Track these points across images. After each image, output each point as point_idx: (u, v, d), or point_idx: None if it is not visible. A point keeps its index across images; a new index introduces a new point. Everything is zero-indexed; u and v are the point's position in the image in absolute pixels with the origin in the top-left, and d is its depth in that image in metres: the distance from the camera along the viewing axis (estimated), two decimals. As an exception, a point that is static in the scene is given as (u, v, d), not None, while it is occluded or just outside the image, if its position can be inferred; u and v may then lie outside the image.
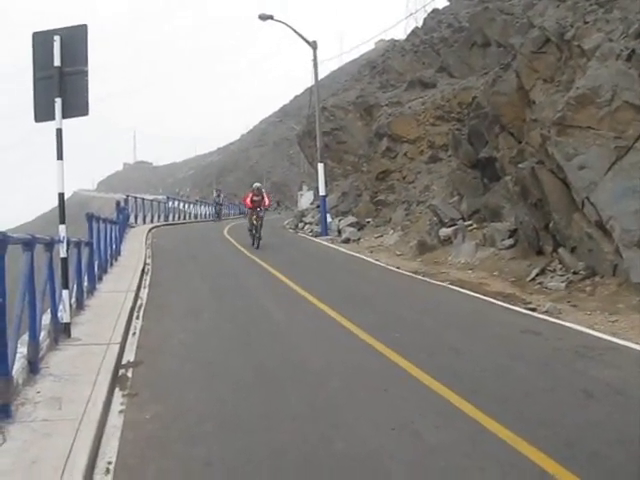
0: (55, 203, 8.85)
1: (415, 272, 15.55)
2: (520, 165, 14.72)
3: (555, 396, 6.23)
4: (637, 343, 8.17)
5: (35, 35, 8.65)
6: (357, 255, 19.55)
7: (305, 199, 45.98)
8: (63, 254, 8.61)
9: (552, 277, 12.58)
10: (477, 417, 5.60)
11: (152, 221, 35.00)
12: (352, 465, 4.81)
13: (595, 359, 7.53)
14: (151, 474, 4.79)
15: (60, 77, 8.42)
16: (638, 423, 5.31)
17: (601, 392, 6.30)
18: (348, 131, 33.74)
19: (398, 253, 19.72)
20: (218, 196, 44.24)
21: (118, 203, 24.64)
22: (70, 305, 8.84)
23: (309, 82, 51.12)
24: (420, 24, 43.35)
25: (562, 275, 12.42)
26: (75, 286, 10.17)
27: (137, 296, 12.21)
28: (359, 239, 24.02)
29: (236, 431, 5.55)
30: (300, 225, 32.13)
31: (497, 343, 8.51)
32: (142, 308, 11.37)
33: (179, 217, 42.19)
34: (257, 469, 4.80)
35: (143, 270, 15.68)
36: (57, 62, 8.40)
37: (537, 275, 12.96)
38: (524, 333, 8.99)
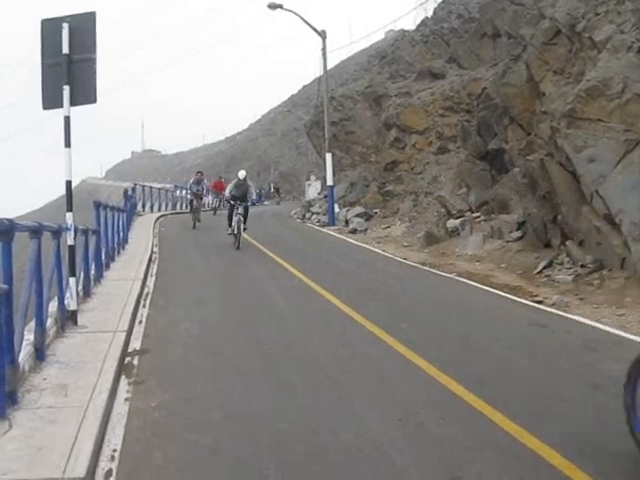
0: (63, 191, 8.85)
1: (422, 263, 15.53)
2: (529, 157, 14.67)
3: (561, 389, 6.20)
4: (644, 337, 8.14)
5: (44, 22, 8.63)
6: (364, 246, 19.53)
7: (313, 189, 45.91)
8: (70, 242, 8.62)
9: (560, 270, 12.54)
10: (482, 409, 5.59)
11: (160, 210, 35.04)
12: (357, 456, 4.81)
13: (602, 353, 7.51)
14: (156, 461, 4.80)
15: (68, 64, 8.40)
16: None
17: (608, 386, 6.25)
18: (357, 121, 33.62)
19: (405, 244, 19.70)
20: (198, 183, 26.42)
21: (126, 191, 24.60)
22: (77, 293, 8.86)
23: (318, 71, 50.98)
24: (430, 14, 43.12)
25: (570, 268, 12.39)
26: (82, 274, 10.20)
27: (144, 284, 12.24)
28: (366, 230, 23.98)
29: (242, 419, 5.55)
30: (307, 215, 32.10)
31: (504, 335, 8.49)
32: (149, 296, 11.40)
33: (187, 206, 42.11)
34: (262, 458, 4.80)
35: (150, 258, 15.70)
36: (65, 49, 8.39)
37: (545, 268, 12.93)
38: (531, 326, 8.96)
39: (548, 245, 14.00)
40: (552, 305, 10.25)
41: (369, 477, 4.51)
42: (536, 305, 10.37)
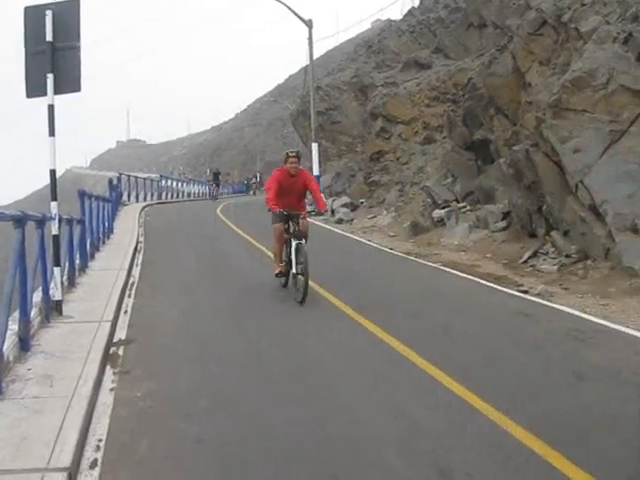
0: (48, 180, 8.78)
1: (408, 253, 15.56)
2: (514, 147, 14.72)
3: (545, 378, 6.25)
4: (628, 326, 8.21)
5: (27, 9, 8.51)
6: (350, 236, 19.54)
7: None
8: (55, 231, 8.56)
9: (544, 260, 12.62)
10: (467, 398, 5.61)
11: (145, 199, 34.96)
12: (344, 448, 4.83)
13: (586, 342, 7.56)
14: (142, 451, 4.79)
15: (52, 52, 8.30)
16: (627, 406, 5.34)
17: (591, 375, 6.33)
18: (343, 111, 33.61)
19: (391, 234, 19.73)
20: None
21: (111, 181, 24.51)
22: (62, 283, 8.80)
23: (304, 61, 50.83)
24: (417, 4, 43.16)
25: (554, 258, 12.46)
26: (67, 264, 10.14)
27: (129, 274, 12.18)
28: (352, 220, 24.02)
29: (228, 409, 5.56)
30: (293, 205, 32.04)
31: (488, 325, 8.54)
32: (134, 286, 11.35)
33: (172, 196, 42.09)
34: (248, 446, 4.81)
35: (136, 248, 15.63)
36: (49, 37, 8.28)
37: (529, 258, 13.00)
38: (516, 315, 9.01)
39: (533, 235, 14.08)
40: (537, 295, 10.31)
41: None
42: (521, 295, 10.42)
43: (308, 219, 10.52)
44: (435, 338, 7.75)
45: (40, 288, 8.29)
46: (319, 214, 11.18)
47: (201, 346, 7.58)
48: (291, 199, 10.22)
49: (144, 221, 23.50)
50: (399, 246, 16.94)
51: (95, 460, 4.70)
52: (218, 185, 43.81)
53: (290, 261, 10.01)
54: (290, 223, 10.23)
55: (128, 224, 21.26)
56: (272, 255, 10.88)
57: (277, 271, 10.34)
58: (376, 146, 28.81)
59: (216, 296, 10.57)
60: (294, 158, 10.16)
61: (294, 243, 9.84)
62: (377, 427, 5.13)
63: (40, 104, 8.50)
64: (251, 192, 56.21)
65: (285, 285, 10.53)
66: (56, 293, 8.52)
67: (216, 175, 43.71)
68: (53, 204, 8.56)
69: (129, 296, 10.53)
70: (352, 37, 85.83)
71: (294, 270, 9.87)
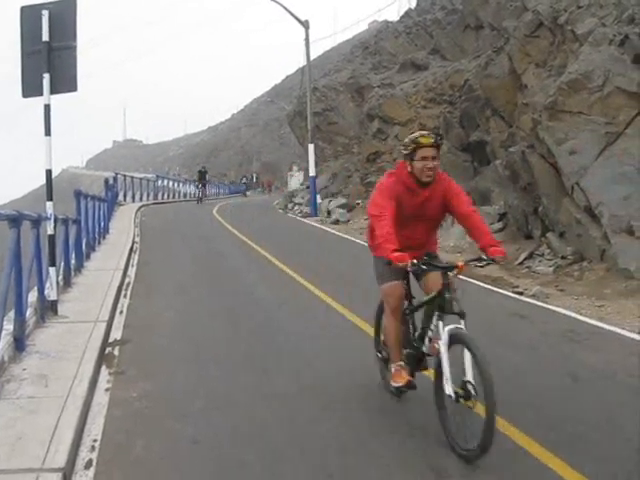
0: (44, 180, 8.77)
1: (404, 254, 15.54)
2: (511, 149, 14.75)
3: (541, 380, 6.25)
4: (623, 328, 8.22)
5: (23, 9, 8.51)
6: (346, 236, 19.51)
7: (295, 180, 46.07)
8: (50, 231, 8.56)
9: (540, 261, 12.63)
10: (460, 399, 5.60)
11: (141, 199, 34.93)
12: (339, 448, 4.83)
13: (582, 343, 7.57)
14: (137, 451, 4.78)
15: (48, 52, 8.30)
16: (623, 407, 5.35)
17: (587, 376, 6.33)
18: (339, 112, 33.65)
19: (387, 235, 19.69)
20: None
21: (107, 181, 24.50)
22: (57, 282, 8.81)
23: (301, 61, 50.89)
24: (413, 5, 43.20)
25: (550, 259, 12.48)
26: (62, 263, 10.13)
27: (125, 274, 12.17)
28: (348, 221, 24.01)
29: (224, 409, 5.55)
30: (290, 206, 32.12)
31: (484, 326, 8.46)
32: (130, 286, 11.34)
33: (168, 196, 42.04)
34: (244, 447, 4.81)
35: (131, 248, 15.62)
36: (45, 37, 8.27)
37: (525, 259, 13.01)
38: (511, 316, 9.02)
39: (529, 237, 14.10)
40: (532, 296, 10.32)
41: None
42: (516, 296, 10.43)
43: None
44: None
45: (35, 288, 8.29)
46: (491, 263, 5.53)
47: (195, 347, 7.56)
48: (418, 232, 5.58)
49: (140, 221, 23.49)
50: (395, 247, 16.93)
51: (90, 460, 4.68)
52: (205, 185, 39.39)
53: (424, 358, 5.29)
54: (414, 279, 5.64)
55: (124, 224, 21.22)
56: (378, 343, 6.01)
57: (401, 383, 5.22)
58: (372, 147, 28.82)
59: (211, 296, 10.57)
60: (431, 148, 5.04)
61: (446, 329, 4.89)
62: (375, 426, 5.13)
63: (37, 104, 8.51)
64: (241, 194, 56.33)
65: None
66: (51, 293, 8.52)
67: (202, 174, 38.01)
68: (49, 204, 8.56)
69: (125, 296, 10.52)
70: (349, 38, 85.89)
71: (447, 389, 4.61)
